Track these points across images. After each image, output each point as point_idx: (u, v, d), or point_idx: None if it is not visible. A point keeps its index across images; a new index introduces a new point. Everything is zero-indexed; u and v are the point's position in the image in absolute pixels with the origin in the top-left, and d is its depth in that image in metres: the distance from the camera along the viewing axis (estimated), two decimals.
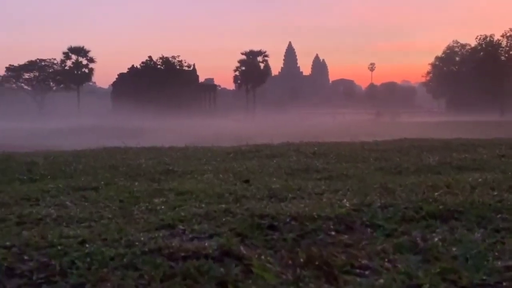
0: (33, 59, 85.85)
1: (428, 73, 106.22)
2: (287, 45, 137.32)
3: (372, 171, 6.85)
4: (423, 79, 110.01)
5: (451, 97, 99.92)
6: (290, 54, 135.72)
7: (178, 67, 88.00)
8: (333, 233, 3.33)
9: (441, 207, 3.79)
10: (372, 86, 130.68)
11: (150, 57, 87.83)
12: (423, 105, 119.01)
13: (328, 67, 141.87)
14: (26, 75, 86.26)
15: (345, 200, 4.21)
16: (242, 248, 3.03)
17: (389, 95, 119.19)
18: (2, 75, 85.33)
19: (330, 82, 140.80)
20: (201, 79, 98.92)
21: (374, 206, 3.91)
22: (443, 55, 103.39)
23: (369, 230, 3.41)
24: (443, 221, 3.53)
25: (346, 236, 3.27)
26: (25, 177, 6.72)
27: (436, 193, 4.33)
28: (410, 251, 2.93)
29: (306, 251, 2.88)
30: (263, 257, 2.89)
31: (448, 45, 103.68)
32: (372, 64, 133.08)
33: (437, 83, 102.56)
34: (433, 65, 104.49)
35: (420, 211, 3.73)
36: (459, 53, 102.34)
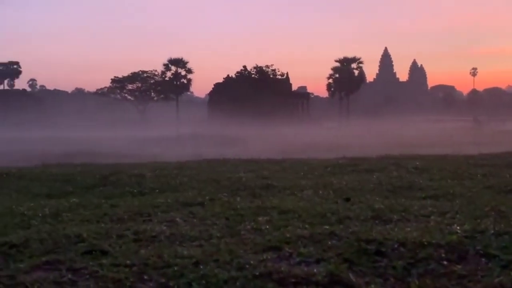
0: (136, 70, 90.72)
1: None
2: (382, 51, 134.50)
3: (480, 189, 6.55)
4: None
5: None
6: (386, 60, 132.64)
7: (271, 76, 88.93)
8: (445, 262, 3.24)
9: None
10: (474, 92, 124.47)
11: (244, 66, 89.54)
12: None
13: (427, 73, 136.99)
14: (130, 86, 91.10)
15: (455, 225, 4.06)
16: (351, 275, 3.03)
17: (493, 101, 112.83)
18: (108, 86, 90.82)
19: (429, 88, 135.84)
20: (294, 87, 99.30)
21: (487, 233, 3.74)
22: None
23: (483, 260, 3.27)
24: None
25: (459, 266, 3.16)
26: (135, 190, 7.13)
27: None
28: None
29: (419, 282, 2.83)
30: (373, 286, 2.88)
31: None
32: (474, 69, 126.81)
33: None
34: None
35: None
36: None
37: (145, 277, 3.05)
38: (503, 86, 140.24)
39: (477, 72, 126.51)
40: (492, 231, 3.77)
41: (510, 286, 2.82)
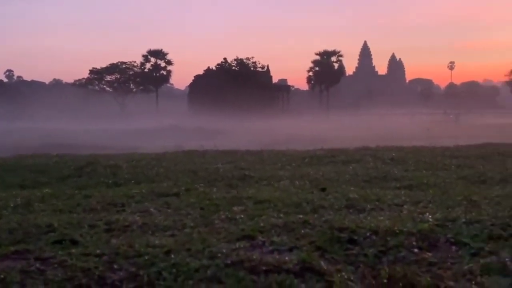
0: (115, 62, 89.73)
1: None
2: (362, 44, 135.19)
3: (454, 180, 6.63)
4: (507, 78, 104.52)
5: None
6: (365, 53, 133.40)
7: (252, 68, 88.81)
8: (416, 250, 3.26)
9: None
10: (451, 85, 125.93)
11: (225, 58, 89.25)
12: (508, 105, 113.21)
13: (405, 66, 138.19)
14: (108, 78, 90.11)
15: (427, 213, 4.09)
16: (322, 263, 3.03)
17: (470, 95, 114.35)
18: (86, 77, 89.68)
19: (407, 81, 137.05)
20: (275, 80, 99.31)
21: (458, 221, 3.78)
22: None
23: (454, 248, 3.30)
24: None
25: (430, 254, 3.18)
26: (110, 181, 7.05)
27: None
28: (499, 273, 2.82)
29: (389, 269, 2.84)
30: (344, 273, 2.88)
31: None
32: (452, 63, 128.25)
33: None
34: None
35: (508, 228, 3.58)
36: None
37: (115, 266, 3.01)
38: (479, 79, 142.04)
39: (454, 66, 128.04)
40: (463, 220, 3.81)
41: (479, 273, 2.85)
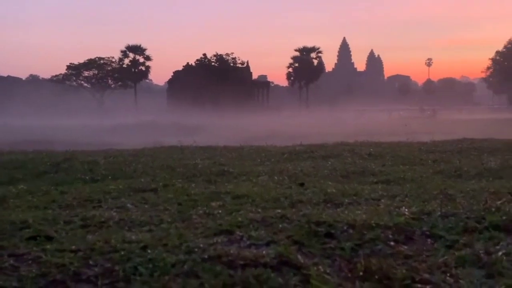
0: (93, 57, 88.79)
1: (488, 68, 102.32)
2: (341, 41, 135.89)
3: (430, 174, 6.71)
4: (483, 75, 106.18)
5: None
6: (344, 50, 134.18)
7: (232, 64, 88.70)
8: (392, 243, 3.28)
9: (504, 217, 3.66)
10: (429, 82, 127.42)
11: (204, 54, 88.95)
12: (484, 101, 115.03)
13: (384, 63, 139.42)
14: (86, 73, 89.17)
15: (403, 207, 4.13)
16: (299, 257, 3.03)
17: (447, 91, 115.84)
18: (63, 73, 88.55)
19: (385, 78, 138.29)
20: (255, 76, 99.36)
21: (434, 215, 3.82)
22: (504, 50, 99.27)
23: (429, 240, 3.34)
24: (507, 233, 3.41)
25: (405, 247, 3.21)
26: (87, 177, 6.98)
27: (499, 202, 4.19)
28: (473, 265, 2.86)
29: (365, 262, 2.86)
30: (321, 267, 2.89)
31: (509, 40, 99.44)
32: (429, 59, 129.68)
33: (498, 78, 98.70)
34: (494, 60, 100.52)
35: (482, 221, 3.62)
36: None
37: (90, 262, 2.97)
38: (456, 76, 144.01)
39: (432, 62, 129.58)
40: (439, 213, 3.85)
41: (454, 265, 2.88)
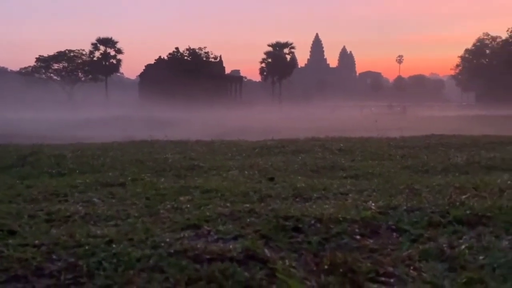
0: (62, 50, 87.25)
1: (458, 66, 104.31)
2: (314, 37, 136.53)
3: (398, 169, 6.80)
4: (452, 72, 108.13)
5: (481, 91, 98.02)
6: (317, 46, 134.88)
7: (204, 58, 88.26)
8: (358, 237, 3.31)
9: (468, 212, 3.73)
10: (399, 78, 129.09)
11: (177, 48, 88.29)
12: (452, 98, 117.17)
13: (355, 59, 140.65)
14: (56, 66, 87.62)
15: (370, 202, 4.18)
16: (266, 251, 3.04)
17: (417, 88, 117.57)
18: (32, 65, 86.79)
19: (357, 74, 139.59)
20: (228, 70, 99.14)
21: (400, 209, 3.87)
22: (473, 48, 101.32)
23: (394, 234, 3.38)
24: (470, 227, 3.48)
25: (371, 241, 3.25)
26: (54, 171, 6.86)
27: (463, 196, 4.27)
28: (436, 258, 2.90)
29: (331, 256, 2.88)
30: (287, 261, 2.89)
31: (479, 38, 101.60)
32: (400, 56, 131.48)
33: (466, 76, 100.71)
34: (463, 58, 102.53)
35: (447, 216, 3.68)
36: (490, 45, 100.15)
37: (54, 256, 2.92)
38: (426, 73, 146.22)
39: (403, 59, 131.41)
40: (405, 207, 3.90)
41: (418, 258, 2.92)
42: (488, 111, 64.81)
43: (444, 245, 3.08)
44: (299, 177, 6.06)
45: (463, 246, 3.04)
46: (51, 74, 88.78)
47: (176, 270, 2.71)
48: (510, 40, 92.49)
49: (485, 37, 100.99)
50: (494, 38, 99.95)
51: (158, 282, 2.58)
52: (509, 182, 5.09)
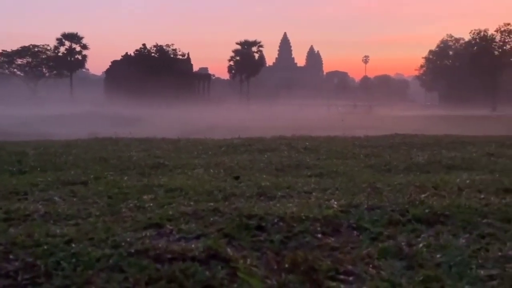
0: (26, 44, 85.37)
1: (422, 66, 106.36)
2: (282, 36, 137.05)
3: (362, 168, 6.88)
4: (417, 73, 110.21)
5: (444, 91, 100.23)
6: (285, 44, 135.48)
7: (172, 55, 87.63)
8: (319, 235, 3.35)
9: (427, 210, 3.81)
10: (365, 78, 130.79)
11: (144, 44, 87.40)
12: (416, 98, 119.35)
13: (323, 59, 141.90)
14: (19, 61, 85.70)
15: (333, 200, 4.22)
16: (228, 250, 3.04)
17: (382, 88, 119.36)
18: None
19: (325, 74, 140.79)
20: (195, 68, 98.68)
21: (361, 207, 3.93)
22: (437, 49, 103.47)
23: (355, 232, 3.43)
24: (429, 225, 3.55)
25: (332, 239, 3.28)
26: (14, 169, 6.69)
27: (423, 195, 4.36)
28: (395, 256, 2.96)
29: (292, 255, 2.90)
30: (249, 260, 2.90)
31: (442, 39, 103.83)
32: (366, 56, 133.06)
33: (430, 76, 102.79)
34: (427, 59, 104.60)
35: (406, 214, 3.76)
36: (453, 47, 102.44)
37: (11, 256, 2.86)
38: (392, 73, 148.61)
39: (369, 59, 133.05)
40: (366, 206, 3.96)
41: (377, 256, 2.97)
42: (451, 111, 66.34)
43: (402, 243, 3.14)
44: (264, 176, 6.08)
45: (421, 245, 3.11)
46: (14, 70, 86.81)
47: (136, 270, 2.69)
48: (473, 42, 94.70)
49: (448, 38, 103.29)
50: (457, 40, 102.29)
51: (117, 282, 2.56)
52: (468, 181, 5.22)
